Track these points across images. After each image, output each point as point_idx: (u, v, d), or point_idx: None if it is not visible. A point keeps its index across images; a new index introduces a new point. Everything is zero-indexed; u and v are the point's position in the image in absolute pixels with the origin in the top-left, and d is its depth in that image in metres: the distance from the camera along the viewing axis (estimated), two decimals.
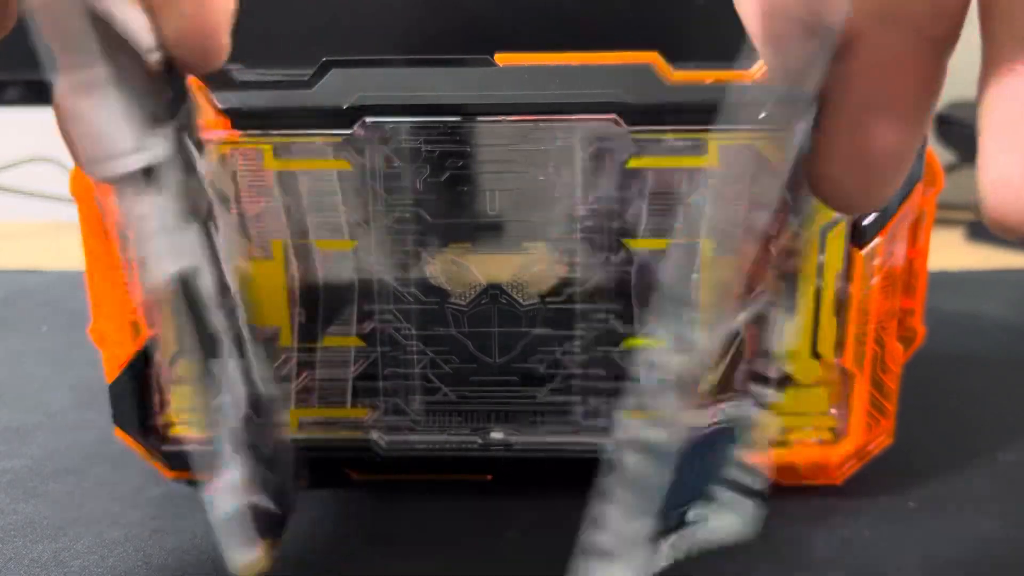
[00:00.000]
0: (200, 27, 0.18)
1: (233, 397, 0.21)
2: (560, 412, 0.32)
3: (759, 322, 0.22)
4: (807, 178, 0.19)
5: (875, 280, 0.29)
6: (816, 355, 0.30)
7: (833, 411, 0.31)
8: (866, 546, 0.28)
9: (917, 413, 0.37)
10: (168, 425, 0.32)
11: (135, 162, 0.18)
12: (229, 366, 0.20)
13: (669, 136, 0.28)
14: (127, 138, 0.17)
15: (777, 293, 0.22)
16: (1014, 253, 0.66)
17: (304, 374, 0.32)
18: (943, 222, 0.74)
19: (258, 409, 0.21)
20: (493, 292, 0.31)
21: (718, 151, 0.28)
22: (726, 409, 0.22)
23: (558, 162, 0.29)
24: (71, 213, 0.30)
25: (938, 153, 0.35)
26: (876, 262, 0.28)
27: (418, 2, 0.54)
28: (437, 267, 0.30)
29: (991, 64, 0.17)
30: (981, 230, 0.69)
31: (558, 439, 0.32)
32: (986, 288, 0.56)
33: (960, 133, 0.68)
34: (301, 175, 0.30)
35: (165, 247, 0.19)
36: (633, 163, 0.29)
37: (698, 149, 0.28)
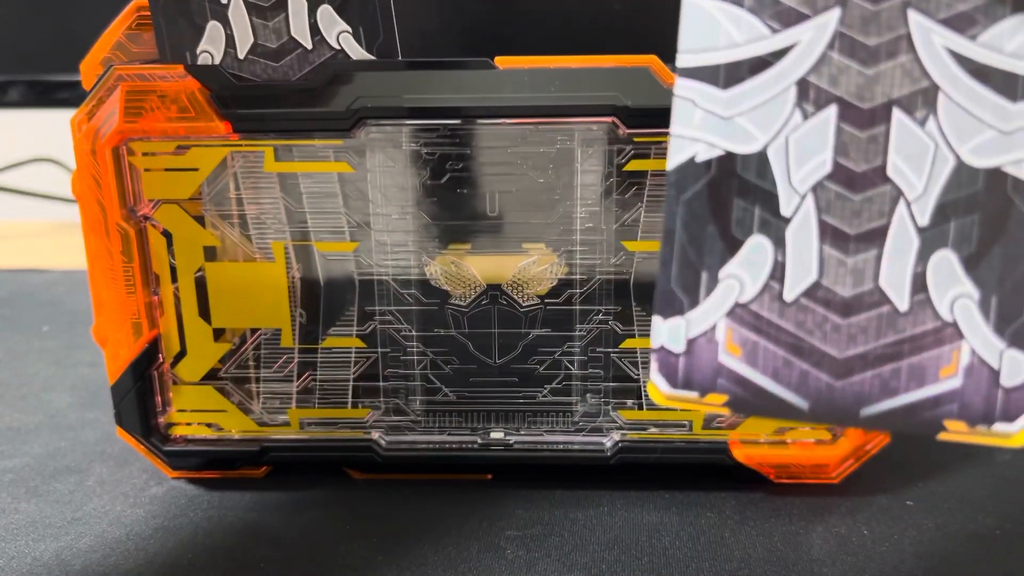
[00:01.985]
0: None
1: None
2: (559, 412, 0.32)
3: None
4: None
5: None
6: None
7: None
8: (864, 544, 0.28)
9: None
10: (170, 425, 0.32)
11: None
12: None
13: (668, 138, 0.28)
14: None
15: None
16: None
17: (305, 374, 0.32)
18: None
19: None
20: (493, 293, 0.31)
21: None
22: None
23: (557, 164, 0.29)
24: (72, 213, 0.30)
25: None
26: None
27: (418, 4, 0.54)
28: (437, 268, 0.31)
29: None
30: None
31: (557, 439, 0.32)
32: None
33: None
34: (302, 177, 0.30)
35: None
36: (632, 165, 0.29)
37: None
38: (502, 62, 0.28)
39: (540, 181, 0.29)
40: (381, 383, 0.32)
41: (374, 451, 0.31)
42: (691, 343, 0.21)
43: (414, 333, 0.31)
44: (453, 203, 0.30)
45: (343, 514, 0.30)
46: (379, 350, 0.31)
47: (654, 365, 0.21)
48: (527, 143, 0.29)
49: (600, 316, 0.31)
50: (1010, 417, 0.20)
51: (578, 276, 0.30)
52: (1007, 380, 0.20)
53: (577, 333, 0.31)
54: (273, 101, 0.27)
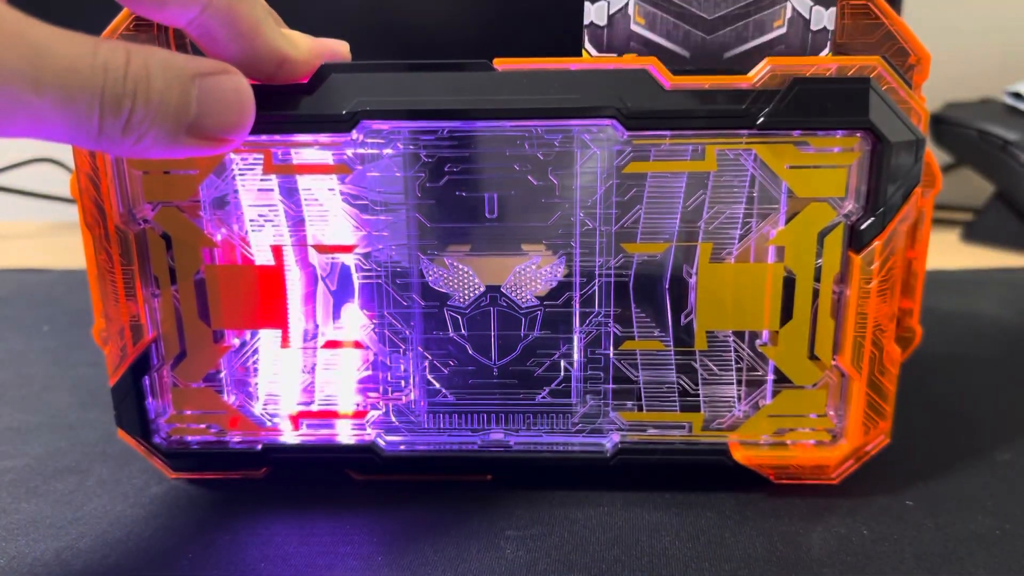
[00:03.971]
0: None
1: None
2: (558, 413, 0.32)
3: None
4: None
5: (873, 283, 0.29)
6: (814, 357, 0.30)
7: (831, 413, 0.31)
8: (864, 544, 0.28)
9: (913, 412, 0.37)
10: (170, 426, 0.32)
11: None
12: None
13: (668, 141, 0.28)
14: None
15: None
16: (1009, 253, 0.66)
17: (305, 376, 0.32)
18: (939, 222, 0.75)
19: None
20: (492, 295, 0.31)
21: (716, 156, 0.28)
22: None
23: (557, 167, 0.29)
24: (72, 213, 0.30)
25: (935, 154, 0.35)
26: (873, 266, 0.28)
27: (418, 7, 0.54)
28: (436, 270, 0.31)
29: None
30: (977, 230, 0.70)
31: (556, 439, 0.32)
32: (982, 287, 0.56)
33: (956, 134, 0.68)
34: (301, 179, 0.30)
35: None
36: (632, 167, 0.29)
37: (696, 154, 0.28)
38: (501, 63, 0.28)
39: (539, 183, 0.29)
40: (381, 384, 0.32)
41: (374, 452, 0.32)
42: (611, 18, 0.28)
43: (414, 334, 0.31)
44: (452, 205, 0.30)
45: (343, 514, 0.30)
46: (379, 351, 0.32)
47: (586, 38, 0.29)
48: (526, 145, 0.29)
49: (599, 318, 0.31)
50: (816, 51, 0.28)
51: (577, 278, 0.30)
52: (813, 26, 0.28)
53: (576, 335, 0.31)
54: (272, 103, 0.27)
